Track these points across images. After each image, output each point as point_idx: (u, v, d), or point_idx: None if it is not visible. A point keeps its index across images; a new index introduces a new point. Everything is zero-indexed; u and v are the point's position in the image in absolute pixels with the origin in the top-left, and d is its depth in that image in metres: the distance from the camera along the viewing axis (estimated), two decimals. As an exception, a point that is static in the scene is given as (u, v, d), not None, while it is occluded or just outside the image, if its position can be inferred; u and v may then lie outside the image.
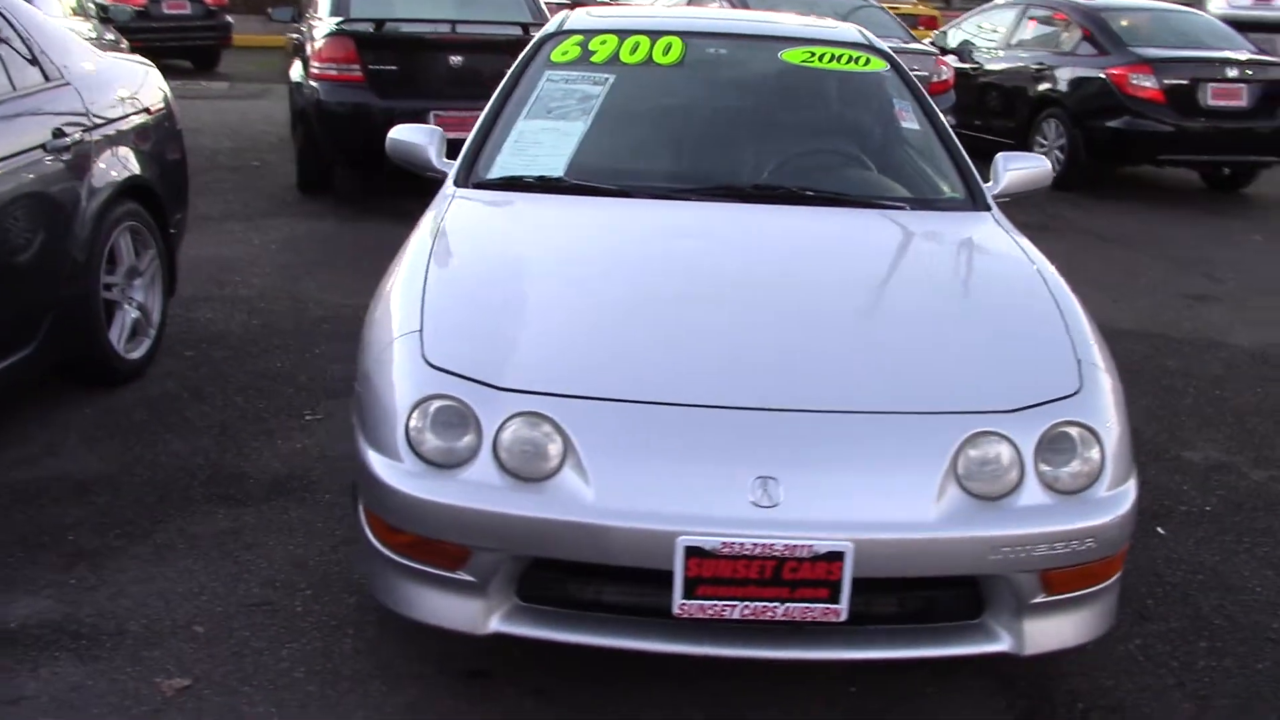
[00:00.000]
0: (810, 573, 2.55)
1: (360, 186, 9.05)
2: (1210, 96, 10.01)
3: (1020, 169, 4.02)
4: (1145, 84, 9.97)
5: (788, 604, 2.57)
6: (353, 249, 7.25)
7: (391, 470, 2.71)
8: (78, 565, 3.45)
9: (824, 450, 2.66)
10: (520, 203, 3.70)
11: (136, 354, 4.94)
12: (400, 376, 2.81)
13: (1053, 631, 2.76)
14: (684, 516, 2.55)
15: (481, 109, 7.98)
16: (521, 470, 2.64)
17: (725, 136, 4.07)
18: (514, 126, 3.97)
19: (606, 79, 4.09)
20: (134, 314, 4.94)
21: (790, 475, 2.59)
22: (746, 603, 2.57)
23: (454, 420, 2.71)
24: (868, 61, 4.26)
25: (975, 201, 3.84)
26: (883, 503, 2.61)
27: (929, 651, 2.70)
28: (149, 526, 3.70)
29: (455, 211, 3.57)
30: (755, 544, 2.52)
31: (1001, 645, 2.72)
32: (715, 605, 2.57)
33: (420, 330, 2.90)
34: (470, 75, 8.21)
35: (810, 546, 2.53)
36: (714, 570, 2.54)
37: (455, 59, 8.20)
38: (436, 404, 2.72)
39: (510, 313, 2.99)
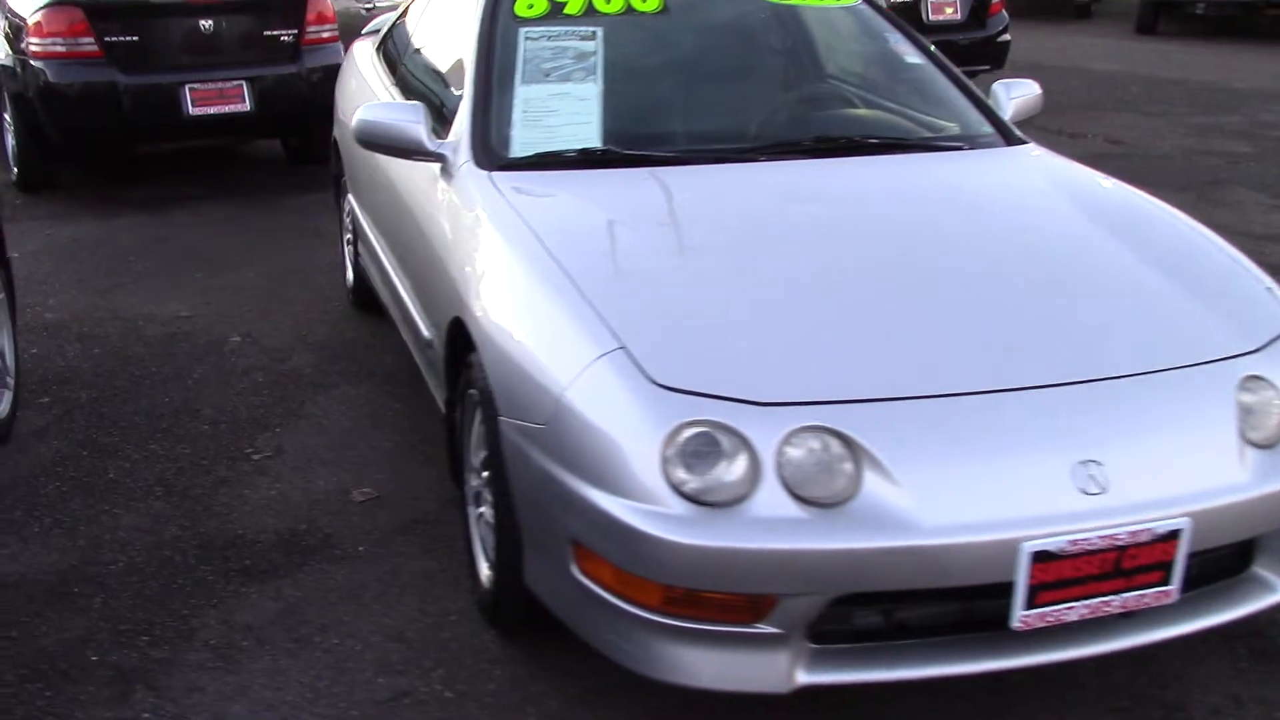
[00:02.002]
0: (1148, 557, 2.33)
1: (92, 179, 7.92)
2: (931, 12, 10.40)
3: (1022, 96, 3.88)
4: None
5: (1123, 594, 2.34)
6: (141, 251, 6.32)
7: (653, 519, 2.25)
8: (134, 693, 2.74)
9: (1131, 421, 2.42)
10: (584, 181, 3.22)
11: (3, 410, 4.04)
12: (630, 405, 2.34)
13: (1324, 571, 2.67)
14: (1020, 520, 2.26)
15: (240, 78, 7.26)
16: (818, 495, 2.26)
17: (753, 88, 3.71)
18: (514, 95, 3.44)
19: (595, 33, 3.63)
20: (-6, 363, 4.04)
21: (1109, 454, 2.34)
22: (1085, 602, 2.32)
23: (710, 449, 2.28)
24: (840, -5, 4.00)
25: (1006, 136, 3.67)
26: (1200, 469, 2.41)
27: (1228, 615, 2.54)
28: (181, 625, 3.00)
29: (522, 201, 3.05)
30: (1100, 537, 2.27)
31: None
32: (1055, 611, 2.31)
33: (624, 348, 2.42)
34: (224, 42, 7.35)
35: (1150, 530, 2.30)
36: (1057, 573, 2.27)
37: (205, 23, 7.27)
38: (690, 432, 2.29)
39: (711, 315, 2.55)
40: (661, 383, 2.35)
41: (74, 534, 3.44)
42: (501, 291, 2.79)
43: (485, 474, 2.91)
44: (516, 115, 3.40)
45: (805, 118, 3.59)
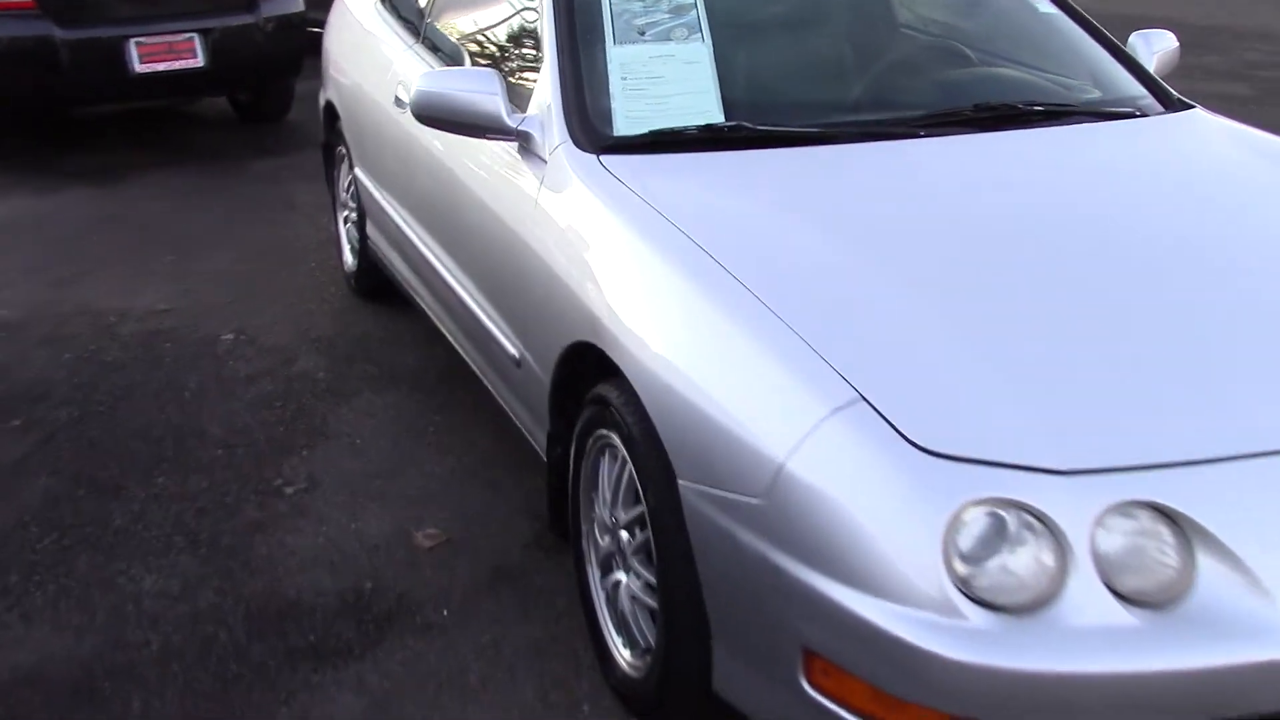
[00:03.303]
0: None
1: (20, 147, 7.11)
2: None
3: (1164, 50, 3.38)
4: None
5: None
6: (95, 231, 5.59)
7: (934, 631, 1.72)
8: (211, 838, 2.16)
9: None
10: (723, 167, 2.63)
11: (-25, 443, 3.39)
12: (890, 480, 1.79)
13: None
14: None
15: (191, 30, 6.49)
16: (1143, 592, 1.75)
17: (885, 45, 3.14)
18: (607, 58, 2.85)
19: (688, -22, 3.04)
20: (-37, 387, 3.37)
21: None
22: None
23: (1001, 535, 1.75)
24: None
25: (1166, 100, 3.15)
26: None
27: None
28: (251, 733, 2.41)
29: (658, 193, 2.47)
30: None
31: None
32: None
33: (864, 399, 1.88)
34: (170, -11, 6.56)
35: None
36: None
37: (149, -31, 6.50)
38: (976, 514, 1.75)
39: (953, 349, 2.00)
40: (927, 447, 1.81)
41: (88, 605, 2.82)
42: (663, 315, 2.21)
43: (629, 537, 2.36)
44: (615, 84, 2.81)
45: (957, 80, 3.04)
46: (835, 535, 1.81)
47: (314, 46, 7.78)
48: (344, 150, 4.56)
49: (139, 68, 6.41)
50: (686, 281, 2.21)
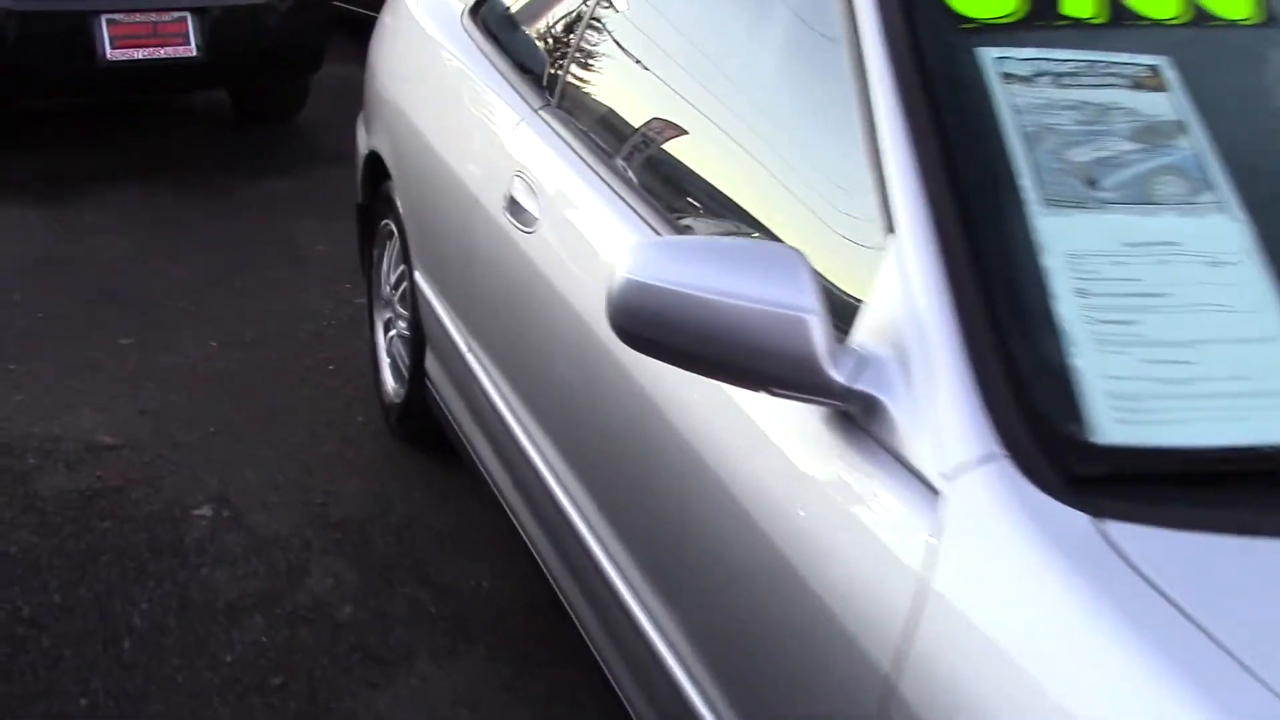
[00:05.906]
0: None
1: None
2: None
3: None
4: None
5: None
6: (24, 282, 4.10)
7: None
8: None
9: None
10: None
11: None
12: None
13: None
14: None
15: (183, 7, 4.92)
16: None
17: None
18: (1032, 237, 1.33)
19: (1154, 67, 1.52)
20: None
21: None
22: None
23: None
24: None
25: None
26: None
27: None
28: None
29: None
30: None
31: None
32: None
33: None
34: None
35: None
36: None
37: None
38: None
39: None
40: None
41: None
42: None
43: None
44: (1066, 307, 1.29)
45: None
46: None
47: (343, 27, 6.22)
48: (394, 230, 3.03)
49: (111, 54, 4.85)
50: None
